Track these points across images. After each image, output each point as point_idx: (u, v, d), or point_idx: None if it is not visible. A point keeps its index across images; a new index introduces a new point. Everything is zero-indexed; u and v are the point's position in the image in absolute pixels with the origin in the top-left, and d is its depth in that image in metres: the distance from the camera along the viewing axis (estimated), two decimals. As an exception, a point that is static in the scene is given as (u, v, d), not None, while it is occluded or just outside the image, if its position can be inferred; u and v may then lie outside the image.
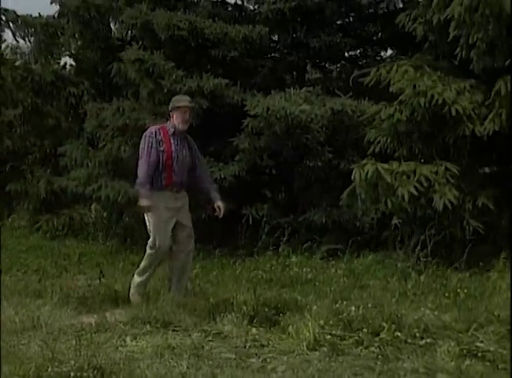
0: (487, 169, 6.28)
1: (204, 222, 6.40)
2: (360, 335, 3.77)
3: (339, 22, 7.18)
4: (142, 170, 4.56)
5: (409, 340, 3.72)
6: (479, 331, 3.73)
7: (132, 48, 6.52)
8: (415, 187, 5.28)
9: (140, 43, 6.67)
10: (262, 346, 3.76)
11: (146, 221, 4.64)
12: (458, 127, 5.66)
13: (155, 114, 6.56)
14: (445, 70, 6.14)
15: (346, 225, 6.12)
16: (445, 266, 5.32)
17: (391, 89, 5.91)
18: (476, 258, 5.47)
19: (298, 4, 6.54)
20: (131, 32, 6.83)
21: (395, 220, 5.78)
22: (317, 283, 4.96)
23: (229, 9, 7.32)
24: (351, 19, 7.31)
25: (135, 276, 4.69)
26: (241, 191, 6.36)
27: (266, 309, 4.16)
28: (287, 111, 5.77)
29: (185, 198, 4.74)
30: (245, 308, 4.11)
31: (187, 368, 3.35)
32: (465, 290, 4.64)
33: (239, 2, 7.25)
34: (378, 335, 3.77)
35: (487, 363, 3.40)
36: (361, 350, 3.65)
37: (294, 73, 7.20)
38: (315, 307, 3.97)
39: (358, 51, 7.46)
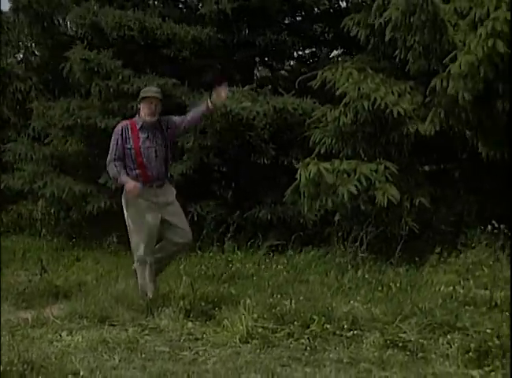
0: (426, 168, 6.52)
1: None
2: (291, 327, 3.93)
3: (285, 21, 7.30)
4: (110, 165, 4.43)
5: (337, 332, 3.89)
6: (403, 323, 3.91)
7: (78, 47, 6.49)
8: (355, 185, 5.47)
9: (89, 41, 6.65)
10: (196, 339, 3.87)
11: (126, 221, 4.45)
12: (399, 128, 5.87)
13: (105, 113, 6.57)
14: (387, 71, 6.35)
15: (291, 221, 6.28)
16: (382, 261, 5.52)
17: (335, 91, 6.09)
18: (412, 254, 5.70)
19: (241, 4, 6.64)
20: (81, 30, 6.78)
21: (337, 217, 5.99)
22: (255, 278, 5.07)
23: (179, 8, 7.35)
24: (297, 18, 7.46)
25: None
26: (187, 189, 6.42)
27: (203, 304, 4.29)
28: (228, 108, 5.88)
29: (170, 193, 4.54)
30: (182, 302, 4.22)
31: (119, 361, 3.43)
32: (397, 284, 4.84)
33: (189, 2, 7.28)
34: (308, 327, 3.94)
35: (408, 352, 3.60)
36: (291, 342, 3.81)
37: (243, 72, 7.28)
38: (249, 301, 4.10)
39: (307, 51, 7.62)
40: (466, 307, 4.35)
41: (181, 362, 3.47)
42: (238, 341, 3.78)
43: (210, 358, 3.54)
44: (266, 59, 7.43)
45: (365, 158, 6.07)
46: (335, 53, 7.71)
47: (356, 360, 3.52)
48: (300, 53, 7.75)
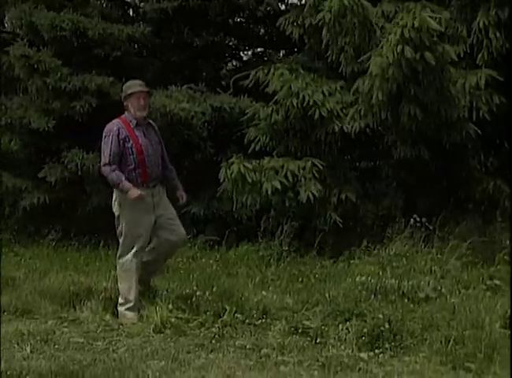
0: (357, 165, 6.78)
1: (88, 214, 6.61)
2: (204, 317, 4.15)
3: (226, 22, 7.47)
4: (106, 170, 4.24)
5: (247, 321, 4.12)
6: (309, 311, 4.17)
7: (18, 44, 6.57)
8: (281, 181, 5.71)
9: (28, 39, 6.73)
10: (112, 330, 4.06)
11: (119, 225, 4.33)
12: (327, 126, 6.13)
13: (42, 112, 6.66)
14: (320, 71, 6.61)
15: (226, 217, 6.48)
16: (305, 254, 5.79)
17: (267, 90, 6.31)
18: (341, 247, 5.97)
19: (181, 4, 6.79)
20: (20, 29, 6.86)
21: (272, 213, 6.23)
22: (182, 272, 5.27)
23: (121, 7, 7.46)
24: (237, 20, 7.65)
25: (120, 304, 4.21)
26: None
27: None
28: (167, 108, 6.05)
29: (162, 192, 4.45)
30: (103, 295, 4.40)
31: (31, 352, 3.59)
32: (317, 276, 5.11)
33: (130, 1, 7.40)
34: (220, 317, 4.16)
35: (308, 338, 3.85)
36: (201, 331, 4.02)
37: (184, 71, 7.44)
38: (166, 293, 4.30)
39: (247, 51, 7.81)
40: (378, 296, 4.66)
41: (92, 352, 3.65)
42: (151, 331, 3.98)
43: (121, 347, 3.73)
44: (208, 59, 7.58)
45: (298, 154, 6.35)
46: (271, 53, 7.89)
47: (259, 346, 3.75)
48: (243, 53, 7.94)
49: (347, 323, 3.93)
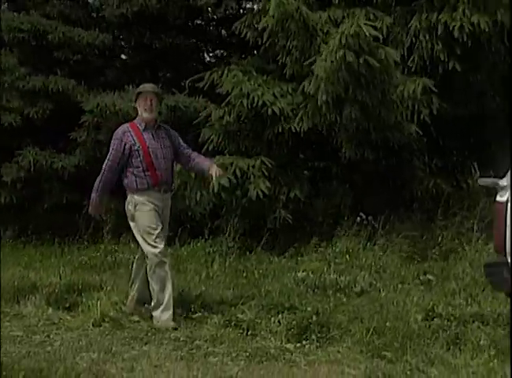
0: (305, 164, 6.96)
1: (45, 212, 6.73)
2: (144, 311, 4.30)
3: (185, 25, 7.60)
4: (100, 175, 4.29)
5: (184, 314, 4.28)
6: (245, 305, 4.35)
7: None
8: (229, 179, 5.88)
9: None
10: (53, 324, 4.19)
11: (133, 229, 4.27)
12: (277, 126, 6.32)
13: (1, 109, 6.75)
14: (273, 73, 6.79)
15: (180, 214, 6.63)
16: (257, 251, 5.97)
17: (221, 91, 6.48)
18: (288, 244, 6.17)
19: (141, 9, 6.93)
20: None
21: (223, 211, 6.40)
22: (131, 268, 5.40)
23: (79, 10, 7.53)
24: (196, 22, 7.79)
25: (154, 308, 4.13)
26: (83, 183, 6.69)
27: (69, 291, 4.60)
28: (117, 107, 6.20)
29: (169, 200, 4.41)
30: (47, 290, 4.52)
31: (-31, 345, 3.70)
32: (261, 271, 5.30)
33: (91, 5, 7.47)
34: (160, 311, 4.32)
35: (241, 330, 4.01)
36: (140, 325, 4.17)
37: (145, 73, 7.56)
38: (109, 288, 4.44)
39: (207, 53, 7.96)
40: (315, 291, 4.87)
41: (28, 345, 3.78)
42: (91, 325, 4.12)
43: (58, 341, 3.86)
44: (168, 61, 7.70)
45: (250, 154, 6.52)
46: (239, 55, 8.02)
47: (192, 338, 3.91)
48: (204, 55, 8.08)
49: (279, 316, 4.11)
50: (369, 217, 6.11)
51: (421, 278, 5.05)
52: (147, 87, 4.47)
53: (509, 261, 3.69)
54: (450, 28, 5.63)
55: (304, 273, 5.07)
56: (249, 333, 3.98)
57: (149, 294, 4.24)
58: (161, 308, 4.12)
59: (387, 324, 3.88)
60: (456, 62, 5.72)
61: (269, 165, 6.09)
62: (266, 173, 6.06)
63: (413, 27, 5.80)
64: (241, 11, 7.51)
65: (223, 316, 4.18)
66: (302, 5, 6.17)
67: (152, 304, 4.18)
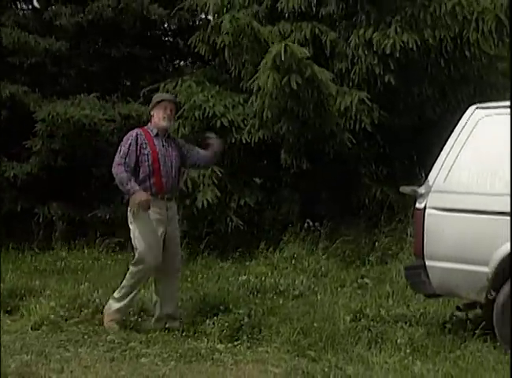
0: (257, 173, 7.14)
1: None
2: (83, 314, 4.40)
3: (141, 35, 7.74)
4: (118, 171, 4.16)
5: (124, 318, 4.38)
6: (183, 307, 4.48)
7: None
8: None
9: None
10: (-8, 327, 4.27)
11: (132, 233, 4.24)
12: (228, 137, 6.49)
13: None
14: (226, 84, 6.98)
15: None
16: (205, 256, 6.13)
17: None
18: (238, 249, 6.32)
19: (95, 17, 7.05)
20: None
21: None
22: (80, 273, 5.52)
23: (35, 19, 7.62)
24: (154, 32, 7.95)
25: (112, 301, 4.21)
26: (37, 191, 6.79)
27: (11, 295, 4.68)
28: (69, 115, 6.31)
29: (175, 207, 4.41)
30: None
31: None
32: (205, 276, 5.45)
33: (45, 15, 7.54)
34: (101, 313, 4.41)
35: (176, 332, 4.14)
36: (78, 328, 4.26)
37: (102, 81, 7.66)
38: (49, 292, 4.54)
39: (165, 63, 8.11)
40: (256, 294, 5.03)
41: (-36, 347, 3.86)
42: (30, 328, 4.21)
43: (-6, 344, 3.95)
44: (125, 70, 7.83)
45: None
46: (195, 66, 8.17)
47: (127, 340, 4.03)
48: (162, 65, 8.22)
49: (214, 318, 4.26)
50: (316, 223, 6.31)
51: (359, 281, 5.26)
52: (167, 96, 4.53)
53: (427, 264, 3.93)
54: (383, 45, 5.95)
55: (245, 277, 5.24)
56: (183, 335, 4.13)
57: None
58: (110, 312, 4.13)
59: (315, 324, 4.05)
60: (391, 76, 6.05)
61: (219, 174, 6.25)
62: (216, 182, 6.23)
63: (354, 42, 6.07)
64: (196, 22, 7.69)
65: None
66: (253, 20, 6.42)
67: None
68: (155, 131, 4.31)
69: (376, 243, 5.88)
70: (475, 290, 3.73)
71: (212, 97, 6.54)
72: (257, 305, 4.53)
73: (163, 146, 4.30)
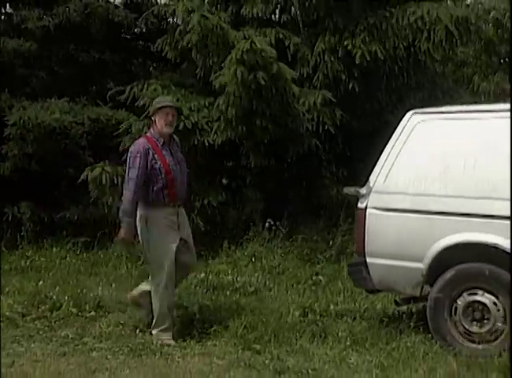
0: (221, 173, 7.30)
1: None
2: (41, 311, 4.55)
3: (109, 38, 7.86)
4: (127, 196, 4.09)
5: (80, 313, 4.55)
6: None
7: None
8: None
9: None
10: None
11: (144, 247, 4.18)
12: (191, 138, 6.64)
13: None
14: (192, 88, 7.12)
15: (100, 220, 6.89)
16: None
17: (138, 104, 6.77)
18: (201, 248, 6.45)
19: (62, 20, 7.17)
20: None
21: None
22: (43, 271, 5.66)
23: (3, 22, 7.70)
24: (122, 36, 8.08)
25: (155, 330, 4.08)
26: (5, 192, 6.88)
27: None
28: (39, 120, 6.44)
29: (184, 213, 4.37)
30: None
31: None
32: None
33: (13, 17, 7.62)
34: (58, 310, 4.57)
35: (130, 328, 4.30)
36: (35, 324, 4.41)
37: (73, 85, 7.77)
38: (8, 289, 4.67)
39: (133, 66, 8.25)
40: (213, 291, 5.20)
41: None
42: (-14, 325, 4.34)
43: None
44: (94, 73, 7.94)
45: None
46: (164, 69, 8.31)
47: (81, 335, 4.18)
48: (132, 68, 8.34)
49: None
50: (277, 223, 6.49)
51: (313, 278, 5.45)
52: (168, 101, 4.47)
53: (367, 261, 4.12)
54: (353, 54, 6.14)
55: (203, 275, 5.40)
56: (137, 331, 4.29)
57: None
58: (162, 328, 4.08)
59: (263, 319, 4.23)
60: (355, 83, 6.27)
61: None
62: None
63: (319, 48, 6.27)
64: (163, 25, 7.83)
65: (116, 316, 4.47)
66: (222, 22, 6.57)
67: (153, 322, 4.12)
68: (161, 141, 4.24)
69: (332, 242, 6.08)
70: (411, 286, 3.93)
71: (178, 100, 6.68)
72: (209, 301, 4.69)
73: (171, 155, 4.26)
